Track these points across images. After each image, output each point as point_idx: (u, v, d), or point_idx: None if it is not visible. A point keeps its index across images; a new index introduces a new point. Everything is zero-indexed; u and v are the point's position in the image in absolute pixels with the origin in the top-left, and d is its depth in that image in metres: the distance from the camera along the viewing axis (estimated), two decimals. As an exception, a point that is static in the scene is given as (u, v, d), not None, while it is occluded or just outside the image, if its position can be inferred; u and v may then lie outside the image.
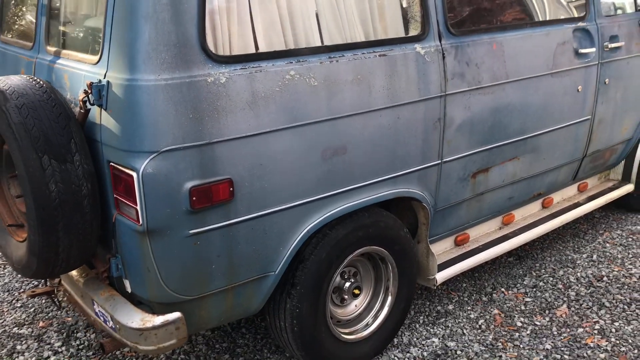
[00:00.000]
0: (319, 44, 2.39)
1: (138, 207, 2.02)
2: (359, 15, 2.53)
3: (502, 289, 3.47)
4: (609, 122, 3.82)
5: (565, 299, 3.35)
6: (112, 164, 2.10)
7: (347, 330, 2.80)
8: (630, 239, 4.07)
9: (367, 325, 2.86)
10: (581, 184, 4.08)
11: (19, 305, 3.46)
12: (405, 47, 2.59)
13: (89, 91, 2.04)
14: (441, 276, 3.03)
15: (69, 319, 3.28)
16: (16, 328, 3.22)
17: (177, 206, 2.06)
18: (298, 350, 2.61)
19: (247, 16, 2.21)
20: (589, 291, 3.42)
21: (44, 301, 3.47)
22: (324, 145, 2.37)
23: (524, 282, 3.54)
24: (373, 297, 2.92)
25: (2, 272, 3.86)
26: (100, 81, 2.05)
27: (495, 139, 3.07)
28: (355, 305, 2.89)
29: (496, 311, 3.25)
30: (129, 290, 2.27)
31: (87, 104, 2.07)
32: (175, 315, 2.17)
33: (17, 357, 2.97)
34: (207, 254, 2.19)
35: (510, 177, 3.29)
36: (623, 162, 4.29)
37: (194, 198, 2.07)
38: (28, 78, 2.19)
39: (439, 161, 2.84)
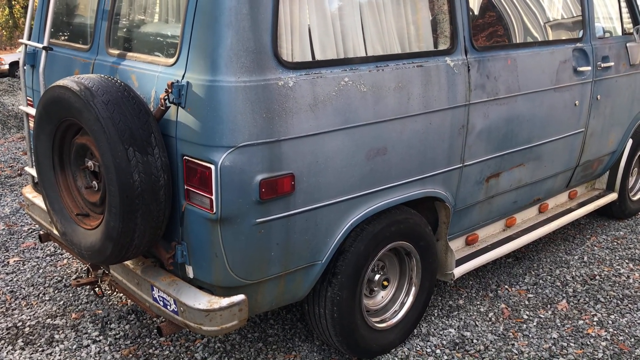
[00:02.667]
0: (364, 54, 2.63)
1: (213, 197, 2.22)
2: (396, 29, 2.78)
3: (506, 286, 3.76)
4: (598, 134, 4.17)
5: (564, 295, 3.66)
6: (186, 157, 2.28)
7: (376, 319, 3.03)
8: (615, 243, 4.42)
9: (395, 313, 3.09)
10: (572, 191, 4.42)
11: (47, 298, 3.57)
12: (438, 59, 2.85)
13: (170, 90, 2.23)
14: (458, 271, 3.29)
15: (100, 311, 3.41)
16: (49, 319, 3.33)
17: (247, 197, 2.26)
18: (336, 336, 2.82)
19: (306, 27, 2.44)
20: (585, 288, 3.74)
21: (71, 295, 3.59)
22: (369, 146, 2.61)
23: (525, 280, 3.83)
24: (398, 289, 3.16)
25: (23, 268, 3.96)
26: (179, 81, 2.24)
27: (507, 146, 3.37)
28: (382, 297, 3.12)
29: (503, 305, 3.53)
30: (190, 275, 2.45)
31: (167, 102, 2.26)
32: (240, 297, 2.36)
33: (57, 345, 3.09)
34: (269, 242, 2.39)
35: (516, 182, 3.58)
36: (608, 172, 4.66)
37: (263, 190, 2.27)
38: (106, 77, 2.36)
39: (461, 165, 3.11)
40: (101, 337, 3.15)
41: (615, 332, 3.26)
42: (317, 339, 3.16)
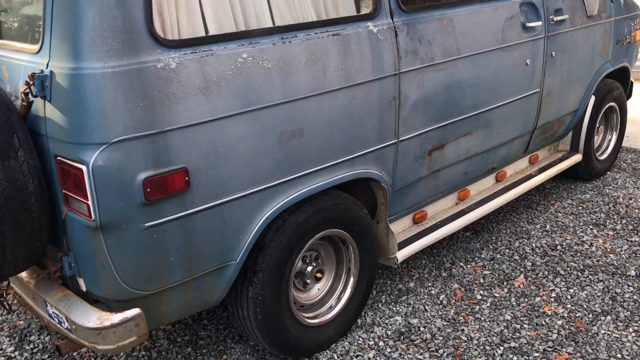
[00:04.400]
0: (270, 24, 2.32)
1: (89, 202, 1.93)
2: (309, -6, 2.47)
3: (461, 264, 3.52)
4: (556, 94, 3.89)
5: (522, 269, 3.43)
6: (59, 158, 1.99)
7: (310, 315, 2.78)
8: (580, 208, 4.18)
9: (331, 308, 2.85)
10: (532, 156, 4.17)
11: (-36, 310, 3.30)
12: (358, 25, 2.55)
13: (31, 82, 1.92)
14: (402, 254, 3.04)
15: (21, 322, 3.15)
16: (-36, 334, 3.07)
17: (130, 199, 1.98)
18: (262, 338, 2.57)
19: (194, -2, 2.13)
20: (544, 260, 3.51)
21: (-8, 304, 3.32)
22: (281, 129, 2.32)
23: (482, 256, 3.59)
24: (335, 279, 2.91)
25: (-55, 276, 3.67)
26: (42, 71, 1.94)
27: (450, 115, 3.09)
28: (318, 289, 2.87)
29: (456, 286, 3.30)
30: (84, 289, 2.18)
31: (30, 95, 1.95)
32: (134, 312, 2.09)
33: (-33, 364, 2.84)
34: (165, 247, 2.12)
35: (464, 153, 3.32)
36: (571, 133, 4.40)
37: (148, 189, 1.99)
38: (-40, 70, 2.05)
39: (396, 140, 2.83)
40: (16, 353, 2.90)
41: (573, 308, 3.04)
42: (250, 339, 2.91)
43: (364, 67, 2.56)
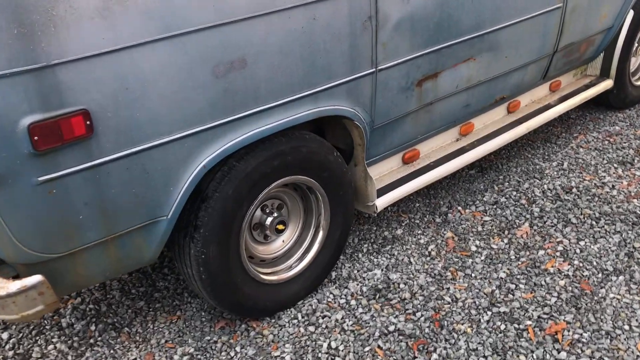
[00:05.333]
0: None
1: (-36, 154, 1.59)
2: None
3: (459, 208, 3.11)
4: (584, 9, 3.30)
5: (527, 216, 3.00)
6: None
7: (270, 270, 2.46)
8: (606, 142, 3.67)
9: (298, 262, 2.51)
10: (553, 82, 3.63)
11: None
12: None
13: None
14: (381, 202, 2.65)
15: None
16: None
17: (15, 149, 1.63)
18: (211, 299, 2.27)
19: None
20: (555, 206, 3.07)
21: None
22: (215, 59, 1.90)
23: (484, 199, 3.17)
24: (304, 230, 2.56)
25: None
26: None
27: (444, 38, 2.59)
28: (283, 241, 2.53)
29: (449, 234, 2.91)
30: (-14, 250, 1.88)
31: None
32: (35, 279, 1.79)
33: None
34: (70, 203, 1.79)
35: (465, 82, 2.83)
36: (602, 55, 3.81)
37: (36, 137, 1.63)
38: None
39: (373, 69, 2.38)
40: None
41: (581, 265, 2.63)
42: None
43: (326, -21, 2.08)
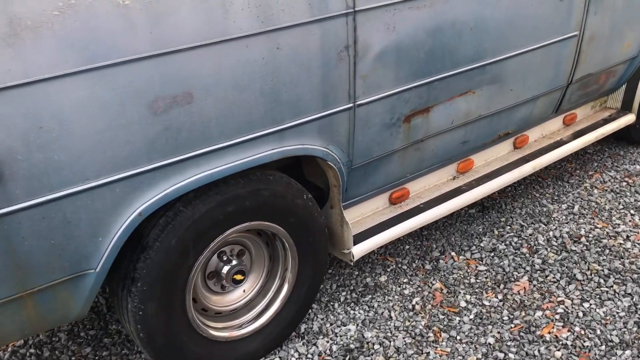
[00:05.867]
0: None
1: None
2: None
3: (453, 253, 2.81)
4: (604, 37, 2.97)
5: (528, 268, 2.69)
6: None
7: (226, 325, 2.19)
8: (624, 184, 3.33)
9: (259, 316, 2.24)
10: (567, 115, 3.30)
11: None
12: (285, -58, 1.77)
13: None
14: (359, 250, 2.36)
15: None
16: None
17: None
18: (153, 359, 2.01)
19: None
20: (560, 258, 2.74)
21: None
22: (152, 93, 1.64)
23: (482, 244, 2.86)
24: (269, 279, 2.29)
25: None
26: None
27: (438, 70, 2.30)
28: (244, 291, 2.26)
29: (438, 285, 2.61)
30: None
31: None
32: None
33: None
34: (-29, 257, 1.54)
35: (462, 117, 2.53)
36: (624, 87, 3.47)
37: None
38: None
39: (351, 105, 2.10)
40: None
41: (582, 332, 2.31)
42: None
43: (292, 3, 1.81)
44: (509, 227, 2.98)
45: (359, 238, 2.42)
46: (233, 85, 1.78)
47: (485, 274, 2.66)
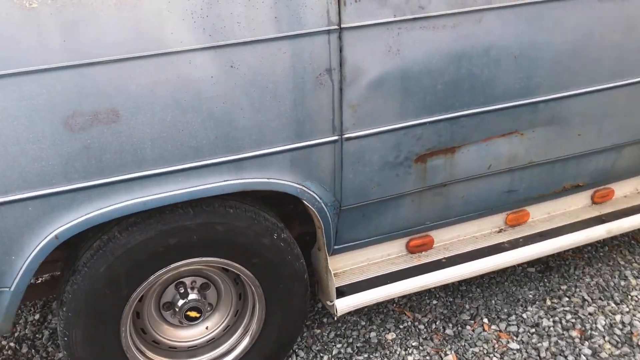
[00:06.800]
0: None
1: None
2: None
3: (485, 321, 2.35)
4: None
5: (571, 358, 2.15)
6: None
7: (181, 364, 1.99)
8: None
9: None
10: (677, 170, 2.62)
11: None
12: (245, -57, 1.50)
13: None
14: (344, 304, 2.03)
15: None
16: None
17: None
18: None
19: None
20: (618, 353, 2.17)
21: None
22: (68, 107, 1.46)
23: (524, 315, 2.36)
24: (238, 319, 2.05)
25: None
26: None
27: (464, 103, 1.88)
28: (207, 328, 2.03)
29: (451, 357, 2.18)
30: None
31: None
32: None
33: None
34: None
35: (505, 162, 2.08)
36: None
37: None
38: None
39: (336, 137, 1.77)
40: None
41: None
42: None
43: (251, 14, 1.53)
44: (566, 299, 2.43)
45: (356, 288, 2.09)
46: (172, 105, 1.55)
47: (514, 354, 2.18)
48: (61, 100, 1.45)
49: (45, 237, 1.58)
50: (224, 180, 1.69)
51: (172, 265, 1.76)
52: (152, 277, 1.76)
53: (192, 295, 1.92)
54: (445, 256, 2.23)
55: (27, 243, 1.58)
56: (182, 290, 1.92)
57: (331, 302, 2.03)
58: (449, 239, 2.29)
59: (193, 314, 1.93)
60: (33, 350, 2.30)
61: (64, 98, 1.45)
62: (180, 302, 1.91)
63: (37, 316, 2.45)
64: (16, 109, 1.42)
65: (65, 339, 1.75)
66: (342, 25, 1.63)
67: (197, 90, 1.55)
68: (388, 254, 2.22)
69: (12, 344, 2.33)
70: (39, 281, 2.41)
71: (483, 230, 2.35)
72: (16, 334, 2.37)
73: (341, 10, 1.61)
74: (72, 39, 1.41)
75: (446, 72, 1.80)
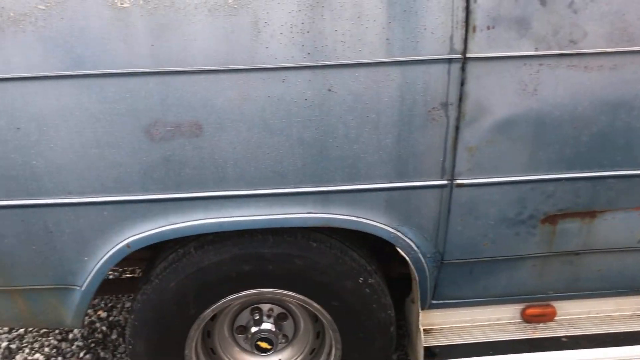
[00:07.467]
0: None
1: None
2: None
3: (608, 418, 1.93)
4: None
5: None
6: None
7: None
8: None
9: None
10: None
11: None
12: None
13: None
14: (431, 369, 1.76)
15: None
16: None
17: None
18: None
19: None
20: None
21: None
22: (150, 116, 1.38)
23: None
24: (314, 357, 1.88)
25: None
26: None
27: (615, 163, 1.53)
28: (280, 360, 1.89)
29: None
30: None
31: None
32: None
33: None
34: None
35: (664, 238, 1.67)
36: None
37: None
38: None
39: (445, 182, 1.52)
40: None
41: None
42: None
43: (359, 33, 1.33)
44: None
45: (450, 352, 1.82)
46: (260, 125, 1.40)
47: None
48: (144, 107, 1.36)
49: (118, 244, 1.52)
50: (308, 213, 1.52)
51: (244, 293, 1.63)
52: (222, 302, 1.64)
53: (266, 325, 1.79)
54: (568, 334, 1.87)
55: (100, 247, 1.53)
56: (257, 317, 1.79)
57: (417, 363, 1.78)
58: (576, 313, 1.91)
59: (264, 344, 1.79)
60: (121, 339, 2.32)
61: (147, 105, 1.36)
62: (254, 329, 1.78)
63: (134, 303, 2.47)
64: (98, 111, 1.36)
65: (130, 346, 1.69)
66: (468, 55, 1.36)
67: (288, 112, 1.39)
68: (498, 318, 1.91)
69: (104, 328, 2.37)
70: (124, 276, 2.43)
71: (623, 310, 1.94)
72: (110, 319, 2.41)
73: (468, 37, 1.35)
74: (159, 44, 1.31)
75: (595, 122, 1.46)
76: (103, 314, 2.48)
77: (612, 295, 1.86)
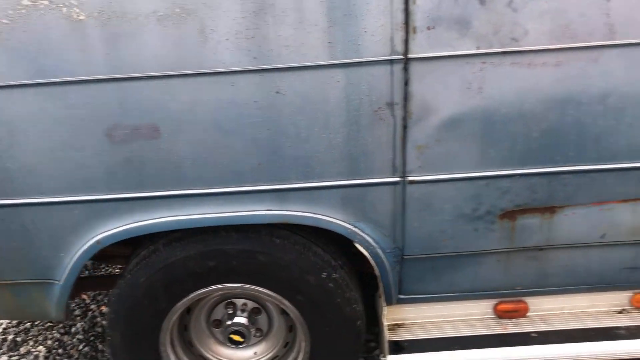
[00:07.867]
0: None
1: None
2: None
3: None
4: None
5: None
6: None
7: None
8: None
9: (258, 391, 1.93)
10: None
11: None
12: (300, -41, 1.35)
13: None
14: (397, 361, 1.80)
15: None
16: None
17: None
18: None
19: None
20: None
21: None
22: (110, 120, 1.47)
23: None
24: (288, 351, 1.94)
25: None
26: None
27: (569, 158, 1.54)
28: (255, 353, 1.96)
29: None
30: None
31: None
32: None
33: None
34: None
35: (625, 233, 1.68)
36: None
37: None
38: None
39: (397, 179, 1.56)
40: None
41: None
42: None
43: (302, 37, 1.39)
44: None
45: (419, 346, 1.85)
46: (213, 127, 1.47)
47: None
48: (103, 112, 1.45)
49: (88, 241, 1.62)
50: (266, 210, 1.58)
51: (212, 288, 1.70)
52: (191, 296, 1.72)
53: (239, 319, 1.85)
54: (539, 329, 1.88)
55: (73, 243, 1.63)
56: (230, 311, 1.86)
57: (384, 357, 1.81)
58: (548, 309, 1.92)
59: (237, 337, 1.86)
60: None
61: (106, 110, 1.45)
62: (227, 323, 1.86)
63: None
64: (62, 117, 1.46)
65: (108, 338, 1.79)
66: (409, 56, 1.41)
67: (240, 114, 1.46)
68: (470, 314, 1.93)
69: (105, 322, 2.49)
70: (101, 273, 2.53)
71: (599, 306, 1.93)
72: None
73: (409, 38, 1.39)
74: (114, 52, 1.40)
75: (544, 118, 1.48)
76: (106, 309, 2.59)
77: (584, 292, 1.86)
